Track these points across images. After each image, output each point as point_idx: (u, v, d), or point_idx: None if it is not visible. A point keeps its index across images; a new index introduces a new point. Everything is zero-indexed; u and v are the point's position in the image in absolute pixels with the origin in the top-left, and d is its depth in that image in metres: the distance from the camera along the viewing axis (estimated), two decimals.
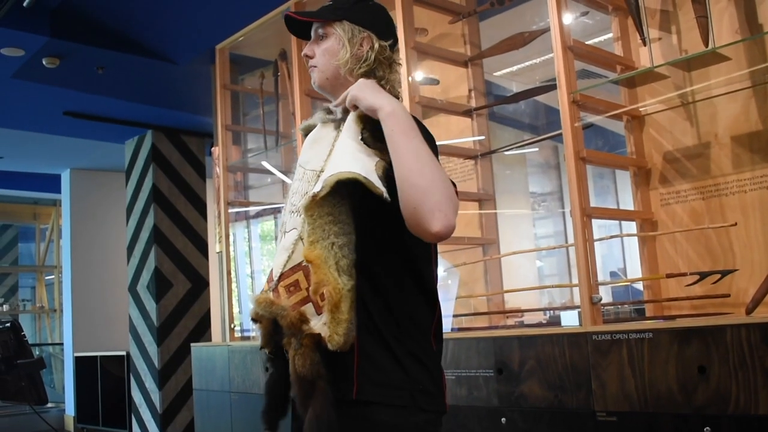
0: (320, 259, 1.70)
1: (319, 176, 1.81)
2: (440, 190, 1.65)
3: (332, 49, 2.01)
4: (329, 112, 2.03)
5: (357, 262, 1.75)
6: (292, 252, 1.82)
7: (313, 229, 1.72)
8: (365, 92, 1.82)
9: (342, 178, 1.68)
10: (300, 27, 2.10)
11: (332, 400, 1.72)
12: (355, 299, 1.73)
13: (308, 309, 1.76)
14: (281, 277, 1.81)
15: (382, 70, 2.00)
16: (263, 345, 1.88)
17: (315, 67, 2.03)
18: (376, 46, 1.98)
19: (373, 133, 1.78)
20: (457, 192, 1.73)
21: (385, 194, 1.67)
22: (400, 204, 1.67)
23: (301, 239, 1.78)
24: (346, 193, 1.73)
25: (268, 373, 1.97)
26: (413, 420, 1.79)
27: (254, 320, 1.86)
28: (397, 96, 2.01)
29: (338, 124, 1.95)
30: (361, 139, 1.79)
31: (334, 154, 1.84)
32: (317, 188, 1.70)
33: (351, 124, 1.84)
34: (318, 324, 1.74)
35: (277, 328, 1.81)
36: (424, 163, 1.69)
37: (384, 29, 2.02)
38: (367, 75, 1.98)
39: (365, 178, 1.67)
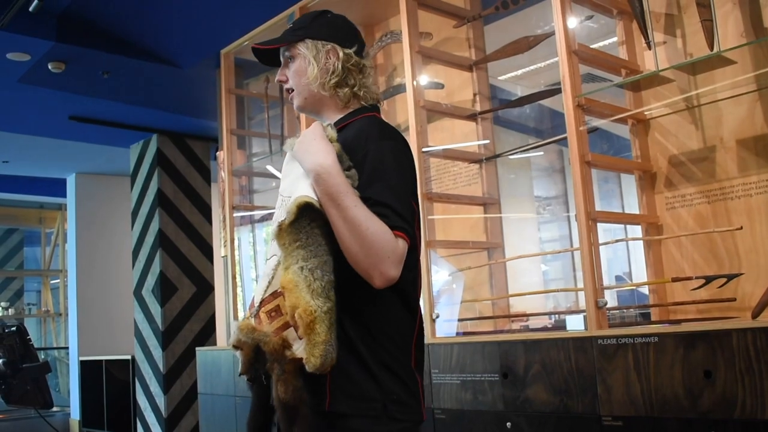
0: (292, 283, 1.75)
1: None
2: (371, 252, 1.75)
3: (301, 69, 2.07)
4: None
5: (335, 283, 1.79)
6: (272, 278, 1.84)
7: (286, 255, 1.78)
8: (299, 154, 1.88)
9: (300, 203, 1.75)
10: (269, 56, 2.16)
11: (314, 425, 1.77)
12: (334, 320, 1.77)
13: (290, 334, 1.79)
14: (262, 303, 1.84)
15: (353, 78, 2.06)
16: (243, 372, 1.88)
17: (291, 90, 2.10)
18: (341, 55, 2.04)
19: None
20: (406, 234, 1.81)
21: None
22: None
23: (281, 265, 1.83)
24: (316, 216, 1.79)
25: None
26: (386, 429, 1.83)
27: (235, 347, 1.86)
28: (376, 99, 2.11)
29: None
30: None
31: (293, 180, 1.88)
32: (281, 216, 1.78)
33: None
34: (300, 348, 1.76)
35: (258, 355, 1.82)
36: (352, 227, 1.76)
37: (346, 37, 2.08)
38: (339, 85, 2.04)
39: (317, 201, 1.77)
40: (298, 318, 1.73)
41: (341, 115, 2.08)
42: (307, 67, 2.04)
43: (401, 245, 1.78)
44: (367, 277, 1.77)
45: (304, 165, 1.85)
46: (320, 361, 1.73)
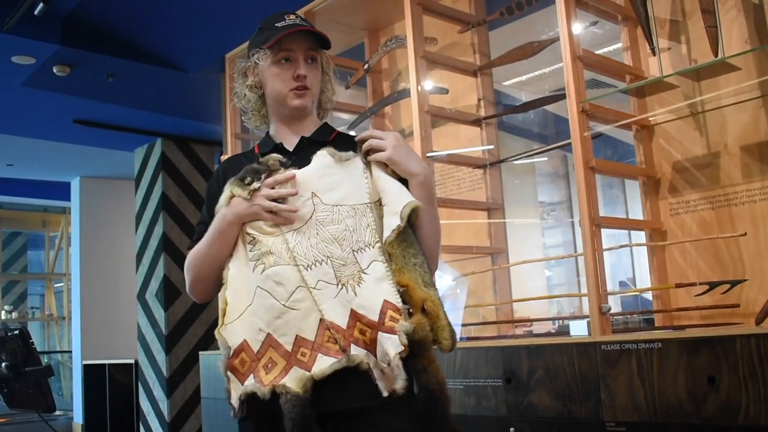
0: (412, 281, 1.82)
1: (370, 207, 1.90)
2: (438, 249, 2.01)
3: (318, 77, 2.09)
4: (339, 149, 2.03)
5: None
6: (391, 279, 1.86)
7: (396, 256, 1.84)
8: (401, 156, 1.93)
9: (415, 207, 1.84)
10: (296, 41, 2.04)
11: None
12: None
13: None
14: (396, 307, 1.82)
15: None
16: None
17: (308, 89, 2.04)
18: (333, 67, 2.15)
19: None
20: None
21: None
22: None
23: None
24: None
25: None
26: None
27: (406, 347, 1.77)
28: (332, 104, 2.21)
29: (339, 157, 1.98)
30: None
31: (387, 189, 1.90)
32: (395, 222, 1.83)
33: (375, 163, 1.95)
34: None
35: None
36: (436, 230, 1.98)
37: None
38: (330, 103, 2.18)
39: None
40: (429, 310, 1.80)
41: (316, 126, 2.12)
42: (320, 79, 2.08)
43: None
44: (434, 269, 1.96)
45: (411, 167, 1.92)
46: (450, 342, 1.81)
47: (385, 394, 1.77)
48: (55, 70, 5.62)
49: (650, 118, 3.47)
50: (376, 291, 1.81)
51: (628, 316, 3.62)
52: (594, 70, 3.43)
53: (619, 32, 3.59)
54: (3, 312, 12.58)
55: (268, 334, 1.82)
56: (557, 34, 3.24)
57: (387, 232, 1.84)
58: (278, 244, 1.87)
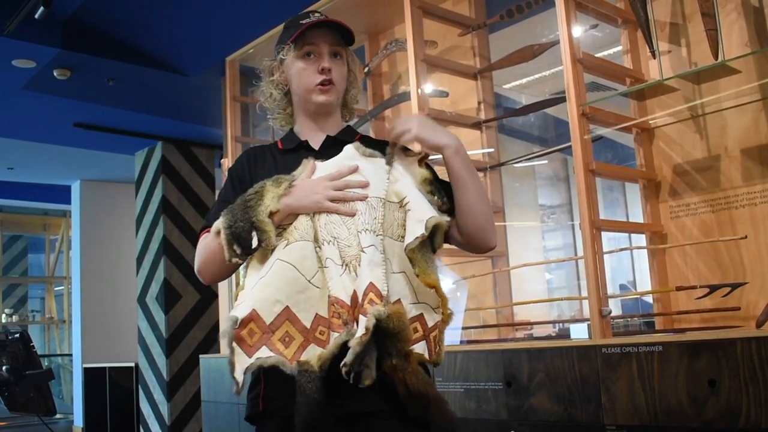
0: (437, 283, 1.79)
1: (382, 203, 1.88)
2: (491, 212, 1.98)
3: (344, 73, 2.07)
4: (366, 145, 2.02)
5: None
6: (386, 269, 1.81)
7: (417, 261, 1.80)
8: (427, 131, 1.91)
9: (439, 224, 1.81)
10: (320, 34, 2.04)
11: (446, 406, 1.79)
12: None
13: None
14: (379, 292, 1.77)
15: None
16: (350, 362, 1.69)
17: (333, 85, 2.03)
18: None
19: (436, 183, 1.97)
20: None
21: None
22: (462, 227, 1.93)
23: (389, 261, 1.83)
24: None
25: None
26: None
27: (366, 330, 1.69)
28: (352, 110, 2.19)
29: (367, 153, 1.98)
30: (429, 192, 1.93)
31: (413, 196, 1.88)
32: (419, 230, 1.79)
33: (409, 167, 1.95)
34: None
35: (369, 348, 1.71)
36: (484, 194, 1.96)
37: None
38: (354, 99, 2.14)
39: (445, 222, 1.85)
40: (447, 317, 1.83)
41: (340, 126, 2.11)
42: (347, 75, 2.07)
43: None
44: (490, 238, 1.97)
45: (439, 139, 1.91)
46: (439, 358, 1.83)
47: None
48: (55, 74, 5.62)
49: (650, 121, 3.47)
50: (369, 274, 1.77)
51: (629, 320, 3.62)
52: (594, 73, 3.43)
53: (620, 35, 3.59)
54: (3, 315, 12.57)
55: (287, 306, 1.75)
56: (557, 37, 3.24)
57: (410, 238, 1.80)
58: (303, 221, 1.85)
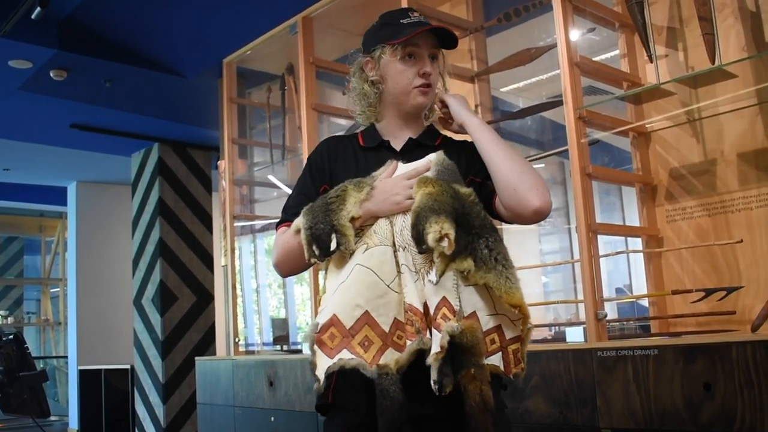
0: (521, 302, 1.81)
1: None
2: (532, 172, 1.86)
3: (437, 76, 2.09)
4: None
5: None
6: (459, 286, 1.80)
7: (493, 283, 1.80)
8: (462, 109, 2.00)
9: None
10: (423, 40, 2.05)
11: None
12: None
13: None
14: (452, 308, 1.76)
15: None
16: (449, 386, 1.70)
17: (431, 87, 2.05)
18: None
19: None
20: None
21: None
22: (499, 192, 1.88)
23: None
24: None
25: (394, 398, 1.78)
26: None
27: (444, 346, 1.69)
28: None
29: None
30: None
31: None
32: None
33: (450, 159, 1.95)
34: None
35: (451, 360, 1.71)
36: (514, 155, 1.89)
37: None
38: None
39: None
40: (525, 333, 1.86)
41: (422, 126, 2.12)
42: (438, 77, 2.08)
43: None
44: (526, 198, 1.84)
45: (465, 119, 1.98)
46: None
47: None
48: (52, 75, 5.62)
49: (647, 125, 3.47)
50: (439, 286, 1.76)
51: (625, 323, 3.62)
52: (591, 77, 3.43)
53: (617, 39, 3.59)
54: None
55: (366, 311, 1.77)
56: (555, 40, 3.24)
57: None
58: (383, 225, 1.86)
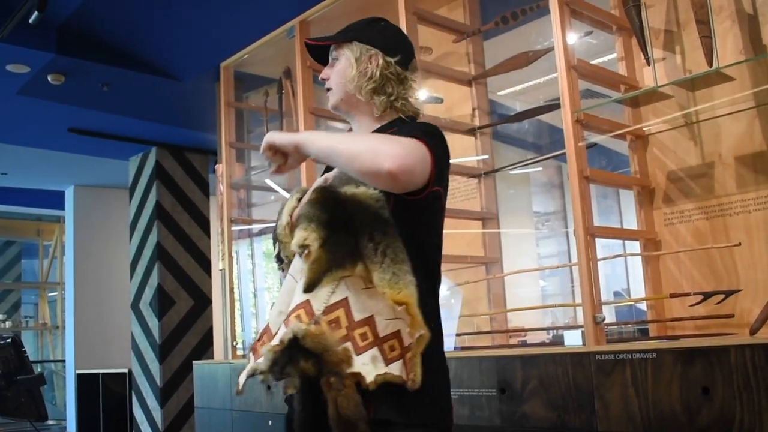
0: (409, 299, 1.72)
1: None
2: (372, 146, 1.76)
3: (342, 69, 2.08)
4: None
5: None
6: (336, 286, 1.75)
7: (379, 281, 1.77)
8: (275, 137, 1.94)
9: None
10: (319, 53, 2.19)
11: None
12: None
13: (349, 347, 1.68)
14: (325, 311, 1.71)
15: (391, 87, 2.06)
16: (291, 387, 1.70)
17: (330, 89, 2.12)
18: (381, 62, 2.04)
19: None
20: (426, 144, 1.82)
21: None
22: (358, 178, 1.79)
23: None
24: None
25: (292, 408, 1.87)
26: None
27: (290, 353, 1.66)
28: (416, 113, 2.12)
29: None
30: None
31: None
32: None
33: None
34: (358, 364, 1.67)
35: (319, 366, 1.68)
36: (348, 142, 1.83)
37: (392, 46, 2.08)
38: (376, 92, 2.04)
39: None
40: (417, 339, 1.72)
41: (377, 125, 2.07)
42: (347, 68, 2.06)
43: (418, 144, 1.80)
44: (374, 169, 1.71)
45: (287, 140, 1.91)
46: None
47: None
48: (49, 79, 5.61)
49: (645, 128, 3.47)
50: (320, 293, 1.74)
51: (623, 326, 3.62)
52: (588, 80, 3.43)
53: (614, 42, 3.59)
54: None
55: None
56: (552, 43, 3.24)
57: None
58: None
